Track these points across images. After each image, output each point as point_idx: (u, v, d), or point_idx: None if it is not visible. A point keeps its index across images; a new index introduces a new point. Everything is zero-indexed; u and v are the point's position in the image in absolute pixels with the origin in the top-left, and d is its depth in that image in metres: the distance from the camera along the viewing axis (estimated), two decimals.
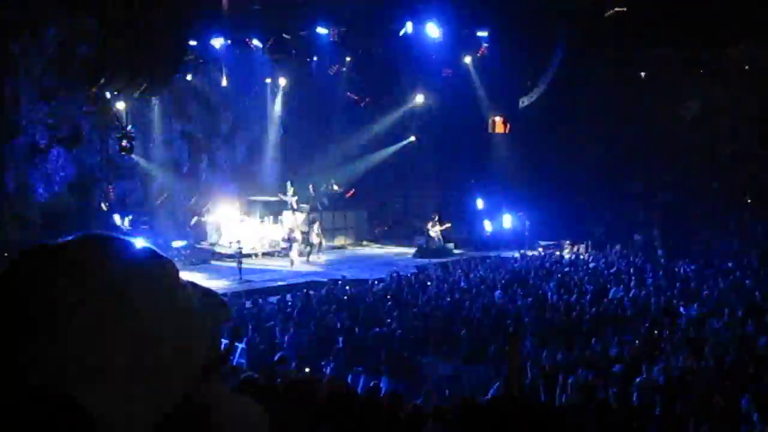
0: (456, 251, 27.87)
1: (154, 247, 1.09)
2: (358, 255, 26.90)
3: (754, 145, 28.42)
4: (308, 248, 26.38)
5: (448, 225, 28.19)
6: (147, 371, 0.96)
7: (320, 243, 26.84)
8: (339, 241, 28.87)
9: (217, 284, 19.29)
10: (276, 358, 10.98)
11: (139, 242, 1.10)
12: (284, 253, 25.44)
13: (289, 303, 17.70)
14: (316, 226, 26.95)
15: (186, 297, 1.08)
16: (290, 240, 24.83)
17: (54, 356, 0.90)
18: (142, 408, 0.96)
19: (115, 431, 0.93)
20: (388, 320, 15.37)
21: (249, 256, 24.37)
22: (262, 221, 26.54)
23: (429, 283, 19.99)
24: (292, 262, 24.36)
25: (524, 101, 28.18)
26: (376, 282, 20.58)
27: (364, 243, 29.06)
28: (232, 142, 29.57)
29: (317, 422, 4.75)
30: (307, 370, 11.42)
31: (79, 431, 0.90)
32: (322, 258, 26.21)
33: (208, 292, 1.42)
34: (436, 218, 28.09)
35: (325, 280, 20.93)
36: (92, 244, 1.02)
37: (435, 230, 27.91)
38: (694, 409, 9.00)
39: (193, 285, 1.17)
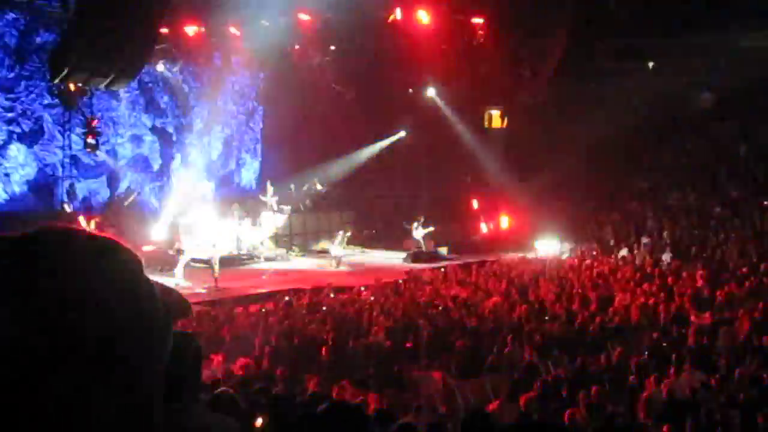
0: (449, 256, 27.81)
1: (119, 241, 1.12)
2: (344, 259, 26.78)
3: None
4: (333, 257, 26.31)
5: (430, 229, 27.99)
6: (111, 354, 0.98)
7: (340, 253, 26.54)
8: (323, 245, 28.59)
9: (189, 292, 19.12)
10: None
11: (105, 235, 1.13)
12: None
13: (269, 312, 17.62)
14: (340, 236, 26.68)
15: (150, 285, 1.10)
16: (178, 253, 23.39)
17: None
18: (103, 393, 0.97)
19: (76, 415, 0.94)
20: (375, 330, 15.33)
21: (231, 260, 24.32)
22: (239, 223, 26.37)
23: (420, 292, 19.94)
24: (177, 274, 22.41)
25: None
26: (362, 289, 20.52)
27: (352, 247, 28.89)
28: (206, 137, 29.43)
29: None
30: (284, 384, 11.36)
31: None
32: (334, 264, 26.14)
33: (170, 290, 1.46)
34: (422, 220, 27.80)
35: (308, 287, 20.82)
36: (54, 233, 1.04)
37: (417, 234, 27.69)
38: (705, 427, 8.97)
39: (156, 282, 1.20)
